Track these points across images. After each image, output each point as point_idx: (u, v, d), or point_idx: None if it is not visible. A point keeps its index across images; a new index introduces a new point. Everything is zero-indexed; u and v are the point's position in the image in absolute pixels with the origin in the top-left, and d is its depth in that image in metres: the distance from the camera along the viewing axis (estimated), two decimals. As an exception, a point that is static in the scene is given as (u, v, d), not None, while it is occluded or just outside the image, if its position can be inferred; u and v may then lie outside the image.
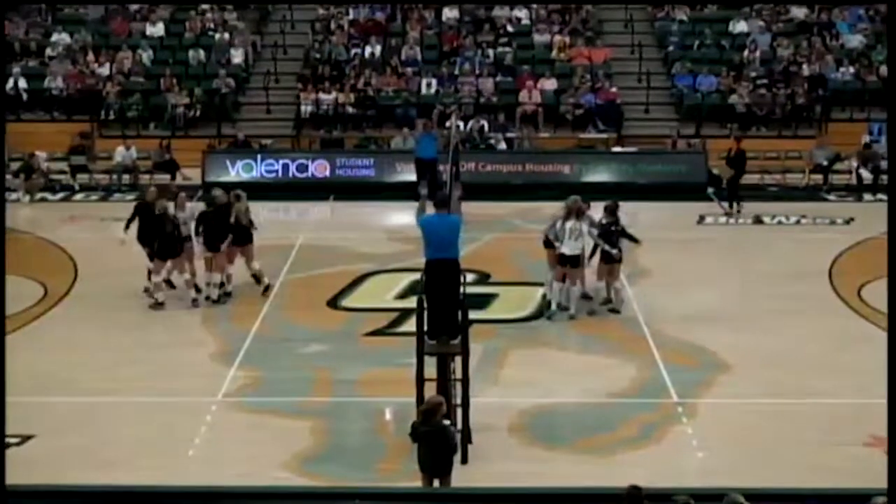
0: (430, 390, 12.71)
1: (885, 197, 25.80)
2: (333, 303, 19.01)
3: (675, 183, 26.05)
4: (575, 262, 17.78)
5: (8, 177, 25.45)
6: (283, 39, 32.67)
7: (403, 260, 20.37)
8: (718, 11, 33.49)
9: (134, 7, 33.35)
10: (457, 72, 30.90)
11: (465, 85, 30.23)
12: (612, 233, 17.94)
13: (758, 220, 24.20)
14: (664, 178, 26.42)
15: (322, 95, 29.90)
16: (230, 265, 18.77)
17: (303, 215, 25.89)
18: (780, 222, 24.26)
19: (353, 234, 23.11)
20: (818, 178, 27.25)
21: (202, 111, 29.94)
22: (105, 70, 30.86)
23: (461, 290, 13.18)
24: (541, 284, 19.01)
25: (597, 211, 18.41)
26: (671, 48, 31.87)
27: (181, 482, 12.00)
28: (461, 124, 26.65)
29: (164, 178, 27.08)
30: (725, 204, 24.75)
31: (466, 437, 13.07)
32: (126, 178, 27.26)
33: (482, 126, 28.39)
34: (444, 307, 13.05)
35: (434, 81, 30.59)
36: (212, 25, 32.75)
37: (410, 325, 14.55)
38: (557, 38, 31.98)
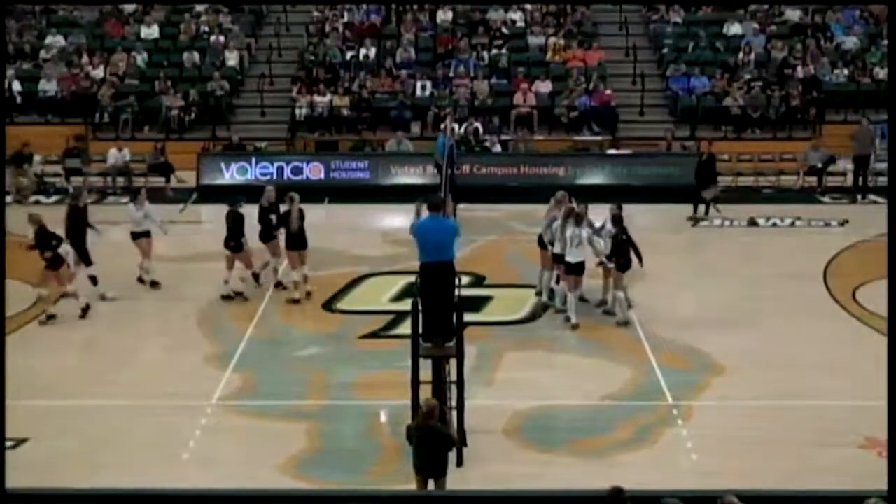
0: (425, 393, 12.71)
1: (877, 199, 25.88)
2: (328, 305, 19.01)
3: (669, 185, 26.04)
4: (580, 270, 17.74)
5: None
6: (277, 42, 32.66)
7: (398, 262, 20.37)
8: (713, 13, 33.53)
9: (128, 9, 33.34)
10: (451, 74, 30.91)
11: (460, 87, 30.23)
12: (622, 243, 17.81)
13: (752, 223, 24.20)
14: (659, 181, 26.41)
15: (317, 98, 29.88)
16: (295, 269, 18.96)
17: (297, 218, 25.83)
18: (774, 224, 24.27)
19: (347, 236, 23.09)
20: (813, 180, 27.28)
21: (197, 114, 29.92)
22: (99, 72, 30.82)
23: (456, 292, 13.19)
24: (535, 287, 19.03)
25: (594, 212, 18.36)
26: (666, 50, 31.89)
27: (176, 485, 11.98)
28: (456, 127, 26.64)
29: (158, 180, 27.07)
30: (701, 207, 24.57)
31: (462, 439, 13.07)
32: (120, 180, 27.24)
33: (477, 128, 28.39)
34: (439, 310, 13.04)
35: (429, 84, 30.59)
36: (206, 28, 32.74)
37: (405, 328, 14.53)
38: (552, 40, 31.99)
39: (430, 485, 11.62)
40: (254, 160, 27.47)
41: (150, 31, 32.56)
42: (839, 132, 28.21)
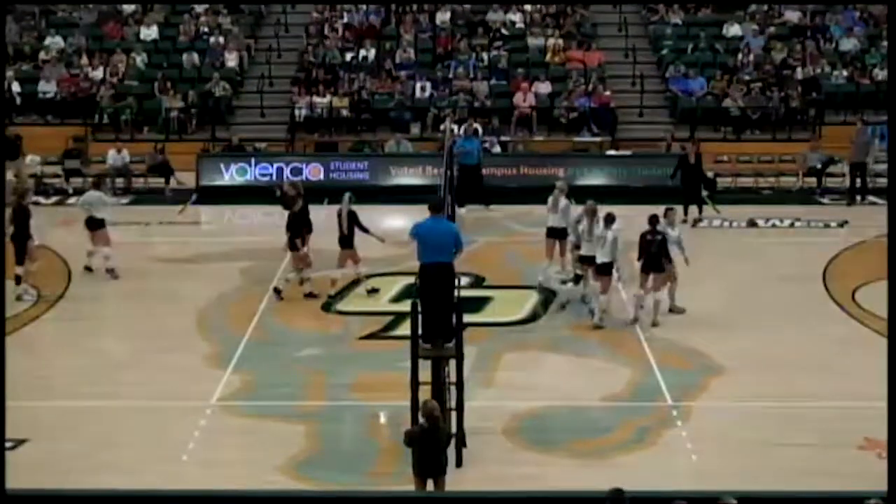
0: (425, 394, 12.70)
1: (877, 200, 25.87)
2: (327, 306, 19.01)
3: (669, 186, 26.03)
4: (607, 269, 17.69)
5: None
6: (277, 43, 32.64)
7: (398, 263, 20.34)
8: (712, 15, 33.53)
9: (128, 10, 33.34)
10: (451, 75, 30.91)
11: (460, 89, 30.23)
12: (658, 243, 17.73)
13: (752, 224, 24.22)
14: (658, 182, 26.40)
15: (316, 99, 29.89)
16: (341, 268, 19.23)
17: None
18: (774, 225, 24.28)
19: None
20: (812, 181, 27.28)
21: (196, 115, 29.92)
22: (99, 73, 30.81)
23: (455, 293, 13.19)
24: (535, 288, 19.04)
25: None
26: (665, 51, 31.89)
27: (175, 486, 11.98)
28: (455, 128, 26.65)
29: (158, 181, 27.08)
30: (692, 208, 24.53)
31: (461, 440, 13.08)
32: (120, 181, 27.24)
33: (476, 129, 28.39)
34: (438, 310, 13.05)
35: (428, 85, 30.59)
36: (206, 29, 32.73)
37: (405, 329, 14.54)
38: (551, 41, 31.98)
39: (430, 485, 11.62)
40: (253, 161, 27.49)
41: (150, 32, 32.54)
42: (838, 133, 28.21)
